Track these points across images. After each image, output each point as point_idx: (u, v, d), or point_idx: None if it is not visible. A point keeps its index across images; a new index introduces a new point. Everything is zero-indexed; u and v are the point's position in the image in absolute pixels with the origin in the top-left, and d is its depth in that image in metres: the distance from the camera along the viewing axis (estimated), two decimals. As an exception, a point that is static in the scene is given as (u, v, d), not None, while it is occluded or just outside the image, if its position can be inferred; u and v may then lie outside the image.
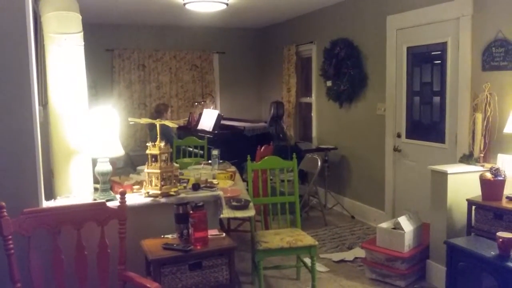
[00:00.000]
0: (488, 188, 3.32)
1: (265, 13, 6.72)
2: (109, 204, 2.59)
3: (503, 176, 3.32)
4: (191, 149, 5.87)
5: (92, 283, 2.46)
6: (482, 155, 3.70)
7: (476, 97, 3.81)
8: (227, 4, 5.53)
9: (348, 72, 5.63)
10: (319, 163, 5.46)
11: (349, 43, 5.67)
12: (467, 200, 3.41)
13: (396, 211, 5.00)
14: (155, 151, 2.92)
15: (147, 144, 2.98)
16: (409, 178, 4.84)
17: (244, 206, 3.36)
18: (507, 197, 3.27)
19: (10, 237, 2.19)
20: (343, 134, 6.02)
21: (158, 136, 3.00)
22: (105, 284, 2.48)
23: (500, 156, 3.56)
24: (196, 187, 3.14)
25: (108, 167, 2.84)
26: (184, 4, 5.46)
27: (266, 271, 3.91)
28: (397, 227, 3.79)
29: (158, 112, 6.38)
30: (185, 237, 2.66)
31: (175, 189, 2.96)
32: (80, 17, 2.94)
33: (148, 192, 2.92)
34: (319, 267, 4.09)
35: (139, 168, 3.95)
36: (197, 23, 7.40)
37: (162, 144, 2.94)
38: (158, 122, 3.11)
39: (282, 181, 4.06)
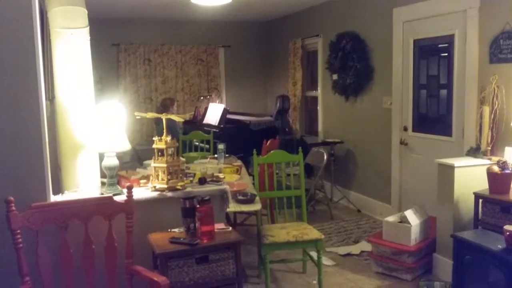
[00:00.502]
0: (495, 181, 3.31)
1: (270, 6, 6.70)
2: (116, 198, 2.60)
3: (510, 169, 3.30)
4: (197, 143, 5.88)
5: (100, 276, 2.48)
6: (489, 148, 3.68)
7: (484, 90, 3.79)
8: (232, -2, 5.50)
9: (354, 65, 5.61)
10: (325, 157, 5.45)
11: (355, 36, 5.64)
12: (474, 193, 3.40)
13: (403, 205, 4.99)
14: (162, 145, 2.93)
15: (154, 138, 2.99)
16: (416, 171, 4.83)
17: (250, 200, 3.37)
18: (515, 191, 3.26)
19: (18, 231, 2.21)
20: (349, 127, 6.01)
21: (164, 131, 3.01)
22: (112, 277, 2.50)
23: (507, 149, 3.53)
24: (202, 181, 3.15)
25: (115, 162, 2.85)
26: (190, -2, 5.45)
27: (273, 265, 3.92)
28: (404, 220, 3.78)
29: (164, 106, 6.39)
30: (191, 231, 2.68)
31: (182, 183, 2.97)
32: (86, 11, 2.94)
33: (155, 186, 2.93)
34: (326, 261, 4.10)
35: (145, 162, 3.96)
36: (202, 17, 7.39)
37: (169, 138, 2.95)
38: (164, 116, 3.11)
39: (288, 175, 4.05)
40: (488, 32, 3.80)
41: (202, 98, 7.79)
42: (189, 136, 5.76)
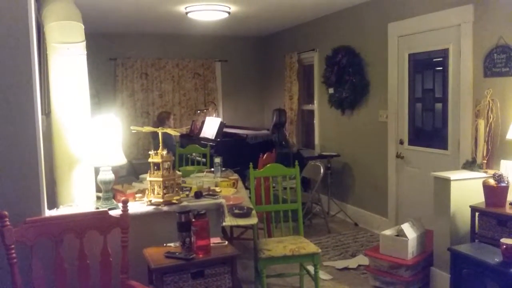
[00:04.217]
0: (492, 194, 3.31)
1: (267, 21, 6.75)
2: (112, 212, 2.59)
3: (506, 182, 3.31)
4: (193, 156, 5.88)
5: (95, 292, 2.46)
6: (485, 161, 3.69)
7: (478, 103, 3.81)
8: (229, 13, 5.56)
9: (350, 79, 5.64)
10: (322, 170, 5.45)
11: (350, 51, 5.68)
12: (471, 206, 3.40)
13: (399, 218, 4.98)
14: (157, 159, 2.93)
15: (150, 152, 2.99)
16: (412, 184, 4.83)
17: (246, 214, 3.36)
18: (511, 203, 3.26)
19: (12, 246, 2.19)
20: (345, 141, 6.02)
21: (160, 144, 3.01)
22: (107, 293, 2.48)
23: (503, 162, 3.54)
24: (198, 195, 3.14)
25: (110, 176, 2.85)
26: (186, 13, 5.50)
27: (269, 279, 3.90)
28: (401, 234, 3.77)
29: (161, 120, 6.40)
30: (187, 246, 2.66)
31: (178, 197, 2.97)
32: (83, 26, 2.96)
33: (150, 201, 2.92)
34: (323, 275, 4.07)
35: (141, 176, 3.95)
36: (199, 32, 7.44)
37: (164, 152, 2.95)
38: (160, 130, 3.12)
39: (285, 188, 4.05)
40: (482, 46, 3.84)
41: (199, 111, 7.81)
42: (186, 150, 5.75)
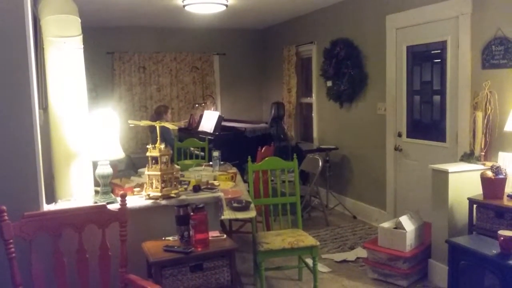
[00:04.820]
0: (489, 186, 3.32)
1: (264, 14, 6.73)
2: (110, 206, 2.60)
3: (504, 174, 3.32)
4: (192, 150, 5.88)
5: (94, 286, 2.47)
6: (483, 153, 3.69)
7: (477, 95, 3.81)
8: (226, 6, 5.53)
9: (348, 72, 5.63)
10: (320, 164, 5.45)
11: (349, 43, 5.67)
12: (468, 198, 3.41)
13: (398, 211, 5.00)
14: (155, 153, 2.93)
15: (148, 146, 2.99)
16: (410, 177, 4.83)
17: (245, 207, 3.36)
18: (508, 195, 3.26)
19: (11, 241, 2.20)
20: (344, 134, 6.02)
21: (158, 138, 3.01)
22: (106, 286, 2.48)
23: (501, 154, 3.55)
24: (197, 188, 3.15)
25: (108, 170, 2.84)
26: (184, 6, 5.47)
27: (268, 272, 3.91)
28: (399, 226, 3.78)
29: (158, 114, 6.38)
30: (186, 239, 2.67)
31: (176, 191, 2.97)
32: (80, 20, 2.95)
33: (149, 194, 2.92)
34: (321, 268, 4.09)
35: (140, 170, 3.95)
36: (197, 25, 7.41)
37: (162, 146, 2.94)
38: (158, 124, 3.11)
39: (283, 181, 4.05)
40: (480, 38, 3.83)
41: (197, 105, 7.80)
42: (185, 144, 5.75)
